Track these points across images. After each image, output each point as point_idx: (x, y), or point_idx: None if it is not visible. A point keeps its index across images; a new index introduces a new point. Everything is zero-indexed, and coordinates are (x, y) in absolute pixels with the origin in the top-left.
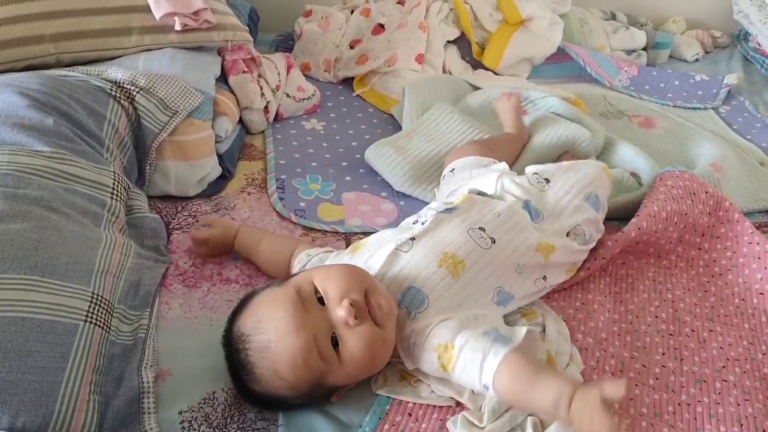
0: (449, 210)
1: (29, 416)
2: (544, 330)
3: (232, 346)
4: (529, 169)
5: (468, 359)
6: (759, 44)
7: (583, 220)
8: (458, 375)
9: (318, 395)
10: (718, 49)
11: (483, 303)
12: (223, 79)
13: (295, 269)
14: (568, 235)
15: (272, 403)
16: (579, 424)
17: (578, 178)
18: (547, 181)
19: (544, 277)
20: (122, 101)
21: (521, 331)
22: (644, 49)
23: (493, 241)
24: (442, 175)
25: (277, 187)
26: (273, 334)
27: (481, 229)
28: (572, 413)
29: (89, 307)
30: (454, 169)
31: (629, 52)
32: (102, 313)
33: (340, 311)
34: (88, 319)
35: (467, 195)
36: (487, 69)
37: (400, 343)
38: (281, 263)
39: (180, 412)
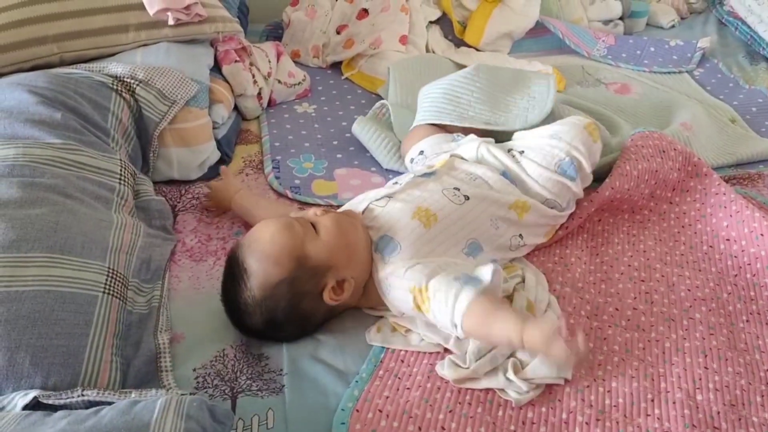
0: (427, 174)
1: (59, 376)
2: (523, 281)
3: (226, 273)
4: (509, 144)
5: (441, 301)
6: (732, 8)
7: (554, 194)
8: (432, 315)
9: (306, 284)
10: (694, 15)
11: (453, 252)
12: (216, 69)
13: None
14: (543, 203)
15: (270, 324)
16: (532, 347)
17: (552, 146)
18: (521, 153)
19: (521, 236)
20: (124, 94)
21: (487, 269)
22: (621, 18)
23: (467, 198)
24: (409, 158)
25: (273, 167)
26: (258, 232)
27: (456, 189)
28: (526, 341)
29: (106, 280)
30: (422, 151)
31: (606, 22)
32: (118, 285)
33: (310, 211)
34: (106, 291)
35: (447, 159)
36: (469, 46)
37: (378, 285)
38: None
39: (194, 369)
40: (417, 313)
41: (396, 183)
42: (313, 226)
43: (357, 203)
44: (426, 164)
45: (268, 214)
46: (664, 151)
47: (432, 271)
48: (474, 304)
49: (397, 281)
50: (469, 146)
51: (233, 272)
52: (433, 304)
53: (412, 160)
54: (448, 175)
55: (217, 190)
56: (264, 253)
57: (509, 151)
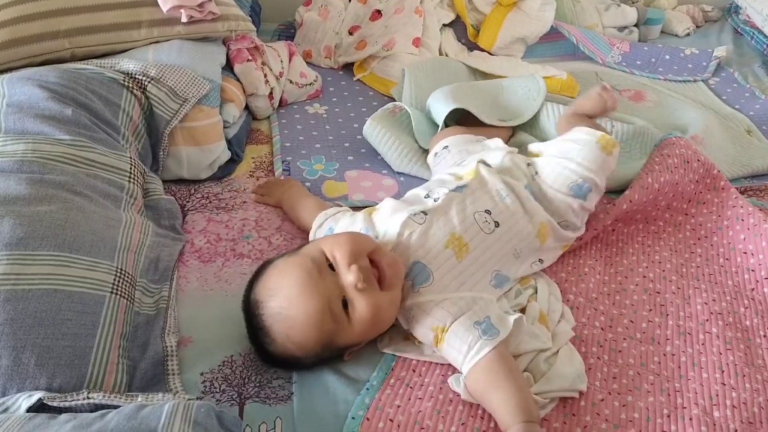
0: (460, 188)
1: (64, 377)
2: (536, 292)
3: (250, 311)
4: (528, 159)
5: (455, 349)
6: (749, 17)
7: (569, 215)
8: (444, 356)
9: (328, 356)
10: (709, 23)
11: (482, 285)
12: (228, 67)
13: (312, 229)
14: (560, 223)
15: (287, 363)
16: None
17: (563, 167)
18: (536, 173)
19: (540, 260)
20: (135, 91)
21: (510, 319)
22: (636, 25)
23: (497, 225)
24: (434, 152)
25: (283, 169)
26: (285, 300)
27: (487, 212)
28: None
29: (114, 280)
30: (447, 146)
31: (621, 29)
32: (126, 286)
33: (349, 276)
34: (114, 291)
35: (476, 168)
36: (482, 50)
37: (401, 311)
38: (308, 223)
39: (201, 374)
40: (434, 347)
41: (429, 196)
42: (348, 299)
43: (393, 211)
44: (452, 169)
45: (310, 215)
46: (687, 162)
47: (458, 310)
48: (482, 366)
49: (422, 316)
50: (495, 155)
51: (253, 326)
52: (446, 348)
53: (435, 154)
54: (481, 191)
55: (274, 180)
56: (289, 337)
57: (528, 165)
